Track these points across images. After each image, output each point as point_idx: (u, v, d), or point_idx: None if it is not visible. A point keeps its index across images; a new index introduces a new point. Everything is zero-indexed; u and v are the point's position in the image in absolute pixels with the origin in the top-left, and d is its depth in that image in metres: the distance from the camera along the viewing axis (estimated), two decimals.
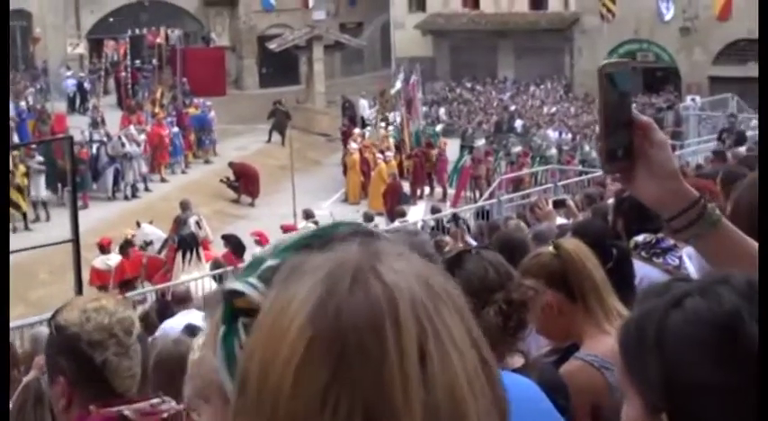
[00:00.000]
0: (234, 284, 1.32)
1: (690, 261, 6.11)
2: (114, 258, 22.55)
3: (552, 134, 40.88)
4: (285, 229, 23.86)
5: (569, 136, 41.04)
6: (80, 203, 28.39)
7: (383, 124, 39.35)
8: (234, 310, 1.31)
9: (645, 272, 5.95)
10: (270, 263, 1.29)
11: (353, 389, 1.10)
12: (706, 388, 1.66)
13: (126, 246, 23.11)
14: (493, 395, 1.17)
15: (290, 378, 1.11)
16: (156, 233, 24.08)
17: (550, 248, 4.34)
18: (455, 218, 22.08)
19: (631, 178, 2.28)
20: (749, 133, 27.53)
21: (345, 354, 1.11)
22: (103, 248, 22.86)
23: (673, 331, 1.70)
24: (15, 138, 36.69)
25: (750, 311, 1.69)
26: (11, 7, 49.22)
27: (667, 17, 46.95)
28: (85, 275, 18.38)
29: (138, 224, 24.44)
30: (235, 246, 22.14)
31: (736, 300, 1.70)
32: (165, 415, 3.06)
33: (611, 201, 10.32)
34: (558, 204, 12.57)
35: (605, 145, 2.24)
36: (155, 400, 3.11)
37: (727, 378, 1.65)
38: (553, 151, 37.41)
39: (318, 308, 1.13)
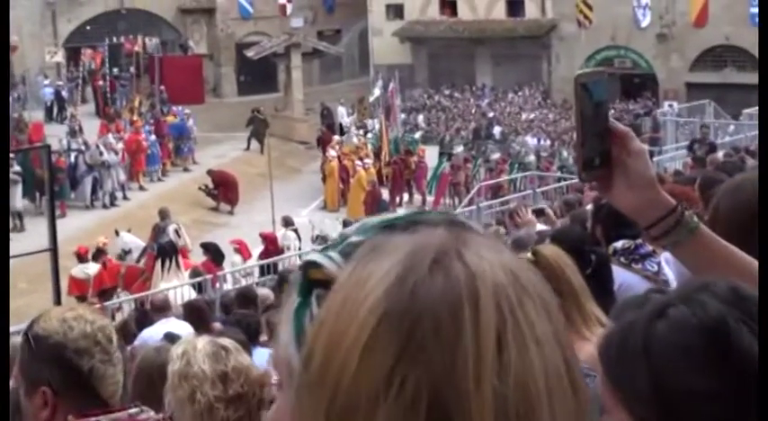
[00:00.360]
0: (312, 256, 1.30)
1: (668, 267, 6.12)
2: (93, 267, 22.49)
3: (531, 140, 41.01)
4: (264, 237, 23.89)
5: (548, 142, 41.15)
6: (57, 212, 28.35)
7: (361, 131, 39.38)
8: (309, 282, 1.28)
9: (624, 278, 5.97)
10: (353, 239, 1.27)
11: (421, 370, 1.07)
12: (696, 394, 1.67)
13: (98, 255, 23.03)
14: (575, 400, 1.14)
15: (357, 356, 1.09)
16: (134, 242, 24.01)
17: (529, 255, 4.35)
18: None
19: (609, 186, 2.29)
20: (726, 139, 27.67)
21: (416, 334, 1.08)
22: (81, 257, 22.79)
23: (659, 339, 1.70)
24: None
25: (735, 316, 1.70)
26: None
27: (644, 24, 47.12)
28: (64, 284, 18.33)
29: (117, 233, 24.36)
30: (214, 253, 22.10)
31: (720, 306, 1.71)
32: None
33: (589, 207, 10.34)
34: (538, 213, 12.59)
35: (581, 154, 2.24)
36: (133, 410, 3.10)
37: (716, 383, 1.66)
38: (532, 158, 37.48)
39: (394, 286, 1.11)
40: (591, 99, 2.19)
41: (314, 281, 1.28)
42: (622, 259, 6.12)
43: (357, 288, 1.13)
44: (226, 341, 3.99)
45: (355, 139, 38.72)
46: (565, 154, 37.75)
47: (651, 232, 2.33)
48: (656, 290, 2.06)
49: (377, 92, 40.86)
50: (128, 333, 12.40)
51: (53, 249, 12.44)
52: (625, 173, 2.25)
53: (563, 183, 26.35)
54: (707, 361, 1.67)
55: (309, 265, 1.29)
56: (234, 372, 3.74)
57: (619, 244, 6.17)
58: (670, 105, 40.30)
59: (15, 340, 11.36)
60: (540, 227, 11.71)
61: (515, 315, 1.11)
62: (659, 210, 2.29)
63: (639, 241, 6.16)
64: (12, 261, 17.59)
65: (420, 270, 1.12)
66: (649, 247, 6.14)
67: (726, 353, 1.67)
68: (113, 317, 17.62)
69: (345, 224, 25.71)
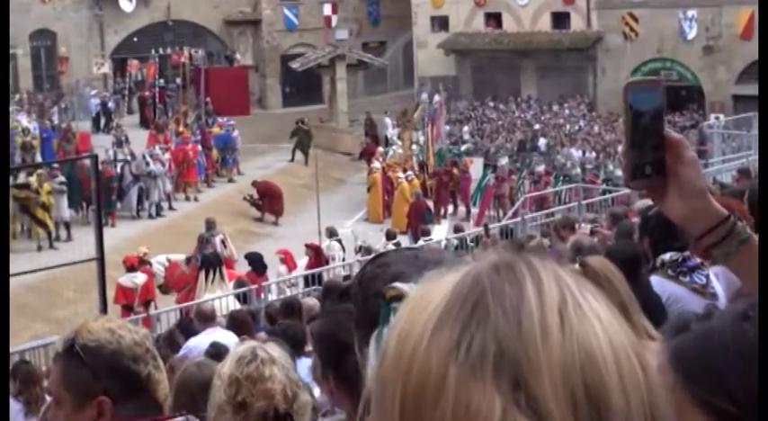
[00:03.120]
0: (391, 284, 1.48)
1: (716, 280, 6.08)
2: (141, 277, 22.55)
3: (576, 153, 40.80)
4: (310, 248, 23.93)
5: (593, 155, 40.93)
6: (108, 222, 28.52)
7: (406, 143, 39.40)
8: (387, 301, 1.44)
9: (671, 290, 5.94)
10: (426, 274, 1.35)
11: (488, 331, 1.11)
12: None
13: (140, 265, 23.07)
14: (645, 378, 1.15)
15: (428, 334, 1.13)
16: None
17: (576, 265, 4.32)
18: (486, 228, 22.07)
19: (662, 195, 2.28)
20: None
21: (480, 307, 1.13)
22: (130, 267, 22.82)
23: (751, 340, 1.71)
24: (39, 157, 36.95)
25: None
26: (36, 28, 49.84)
27: (690, 36, 46.87)
28: (110, 293, 18.43)
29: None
30: (255, 263, 22.14)
31: None
32: None
33: (635, 219, 10.28)
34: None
35: (627, 161, 2.24)
36: (179, 418, 3.11)
37: None
38: (577, 170, 37.29)
39: (459, 282, 1.16)
40: (630, 109, 2.19)
41: (391, 298, 1.45)
42: (670, 271, 6.09)
43: (428, 293, 1.19)
44: (266, 348, 3.99)
45: (400, 151, 38.79)
46: (610, 166, 37.54)
47: (702, 242, 2.32)
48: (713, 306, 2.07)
49: (423, 104, 40.92)
50: (173, 342, 12.47)
51: (100, 258, 12.55)
52: (677, 181, 2.25)
53: (608, 196, 26.24)
54: None
55: (387, 289, 1.47)
56: (246, 380, 3.75)
57: (667, 256, 6.14)
58: (716, 118, 40.05)
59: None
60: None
61: (576, 297, 1.15)
62: (710, 219, 2.28)
63: (687, 253, 6.12)
64: (59, 270, 17.76)
65: (481, 269, 1.18)
66: (697, 260, 6.10)
67: None
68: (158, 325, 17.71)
69: (389, 234, 25.79)
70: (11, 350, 14.93)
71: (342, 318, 3.37)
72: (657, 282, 6.07)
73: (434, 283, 1.19)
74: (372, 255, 22.87)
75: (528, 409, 1.09)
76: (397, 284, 1.44)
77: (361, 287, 2.33)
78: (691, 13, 46.50)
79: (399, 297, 1.39)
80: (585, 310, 1.14)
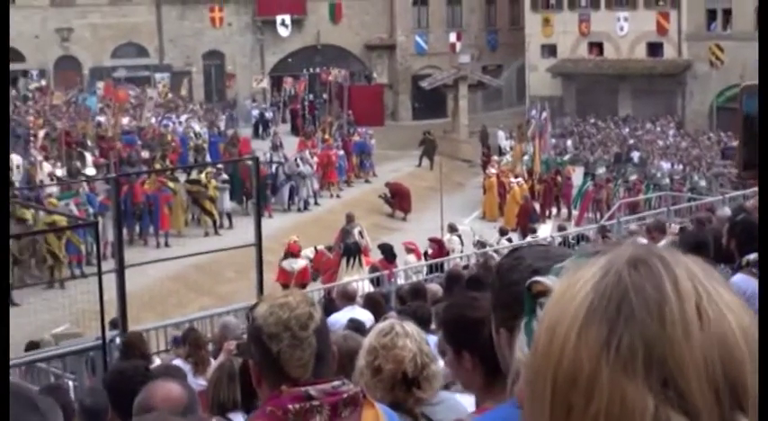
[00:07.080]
0: (534, 278, 1.45)
1: None
2: (300, 263, 22.82)
3: (665, 165, 40.21)
4: (432, 241, 23.96)
5: (680, 167, 40.29)
6: (264, 213, 28.92)
7: (518, 153, 39.24)
8: (533, 295, 1.43)
9: (755, 287, 5.80)
10: (561, 266, 1.36)
11: (635, 332, 1.08)
12: None
13: (287, 255, 23.34)
14: None
15: (575, 333, 1.11)
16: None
17: None
18: (604, 230, 21.71)
19: None
20: None
21: (624, 307, 1.10)
22: (291, 254, 23.17)
23: None
24: (208, 158, 37.76)
25: None
26: (207, 49, 50.75)
27: None
28: (271, 274, 18.64)
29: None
30: (386, 252, 22.23)
31: None
32: (345, 395, 3.07)
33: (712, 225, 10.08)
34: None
35: (741, 154, 2.22)
36: (336, 382, 3.12)
37: None
38: (666, 180, 36.77)
39: (599, 280, 1.14)
40: (741, 110, 2.16)
41: (537, 293, 1.43)
42: (754, 270, 5.96)
43: (570, 288, 1.16)
44: (403, 324, 3.99)
45: (512, 159, 38.69)
46: (695, 177, 36.99)
47: None
48: None
49: (533, 120, 40.77)
50: None
51: (258, 245, 12.70)
52: None
53: (693, 203, 25.84)
54: None
55: (532, 283, 1.44)
56: (382, 348, 3.75)
57: (751, 256, 6.01)
58: None
59: (227, 319, 11.55)
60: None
61: (708, 290, 1.12)
62: None
63: None
64: (222, 253, 18.05)
65: (619, 265, 1.15)
66: None
67: None
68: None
69: (502, 231, 25.69)
70: (181, 319, 15.23)
71: (468, 303, 3.36)
72: (742, 279, 5.95)
73: (575, 279, 1.16)
74: (486, 248, 22.61)
75: (678, 406, 1.06)
76: (542, 279, 1.40)
77: (498, 276, 2.32)
78: None
79: (545, 292, 1.37)
80: (719, 303, 1.11)
